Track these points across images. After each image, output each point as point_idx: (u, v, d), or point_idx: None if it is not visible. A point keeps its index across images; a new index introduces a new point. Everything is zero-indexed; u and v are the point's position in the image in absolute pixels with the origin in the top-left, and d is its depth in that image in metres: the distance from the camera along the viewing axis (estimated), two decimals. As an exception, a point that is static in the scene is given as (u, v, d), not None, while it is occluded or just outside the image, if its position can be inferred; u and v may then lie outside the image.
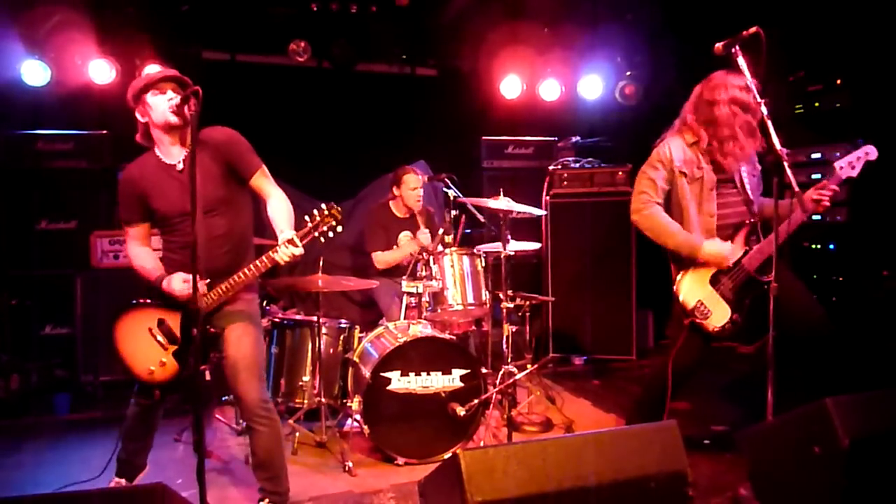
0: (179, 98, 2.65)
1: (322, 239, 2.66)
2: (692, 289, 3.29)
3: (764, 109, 2.79)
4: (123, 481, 3.05)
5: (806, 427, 2.36)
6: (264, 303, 4.36)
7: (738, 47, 2.89)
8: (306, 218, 2.67)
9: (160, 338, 2.82)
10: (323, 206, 2.65)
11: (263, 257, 2.69)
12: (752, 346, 4.34)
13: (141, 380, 2.86)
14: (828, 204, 3.08)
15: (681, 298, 3.28)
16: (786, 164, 2.74)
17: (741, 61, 2.88)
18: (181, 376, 2.80)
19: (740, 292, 3.23)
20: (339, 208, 2.67)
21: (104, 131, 5.20)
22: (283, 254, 2.63)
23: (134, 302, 2.87)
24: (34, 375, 4.85)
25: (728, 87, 3.22)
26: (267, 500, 2.90)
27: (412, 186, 4.75)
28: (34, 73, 5.15)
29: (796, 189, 2.76)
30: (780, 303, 3.23)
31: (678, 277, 3.32)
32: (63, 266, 5.00)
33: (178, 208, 2.80)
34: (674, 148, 3.32)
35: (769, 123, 2.78)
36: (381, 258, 4.75)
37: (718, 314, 3.23)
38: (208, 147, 2.78)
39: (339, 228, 2.66)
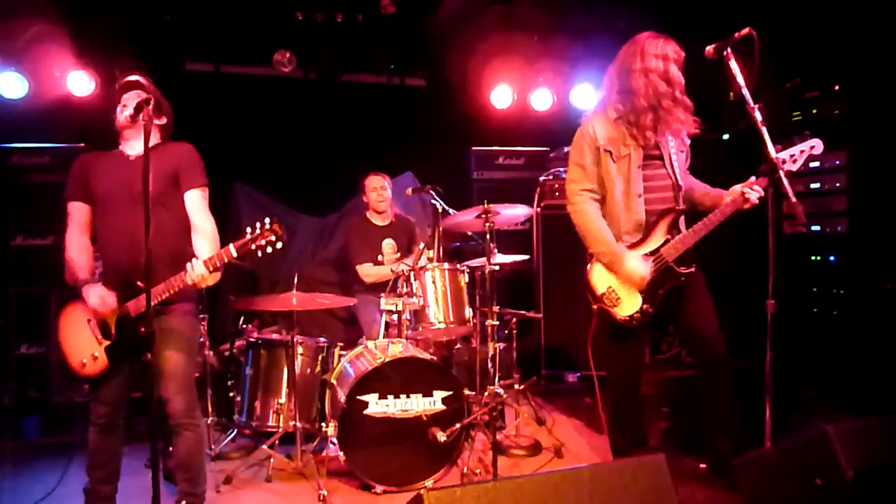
0: (132, 109, 2.65)
1: (259, 253, 2.63)
2: (604, 273, 3.18)
3: (758, 115, 2.65)
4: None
5: (806, 456, 2.18)
6: (240, 321, 4.19)
7: (729, 50, 2.76)
8: (247, 230, 2.65)
9: (96, 331, 2.78)
10: (266, 219, 2.64)
11: (178, 276, 2.67)
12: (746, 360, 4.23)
13: (72, 370, 2.82)
14: (755, 202, 2.95)
15: (591, 282, 3.20)
16: (782, 172, 2.58)
17: (733, 65, 2.74)
18: (109, 372, 2.78)
19: (655, 282, 3.10)
20: (281, 225, 2.65)
21: (81, 144, 5.05)
22: (191, 274, 2.63)
23: (75, 295, 2.83)
24: (6, 397, 4.67)
25: (645, 54, 3.06)
26: (184, 501, 2.91)
27: (373, 187, 4.71)
28: (11, 85, 5.03)
29: (793, 199, 2.59)
30: (680, 308, 3.16)
31: (592, 260, 3.22)
32: (39, 283, 4.84)
33: (115, 190, 2.81)
34: (597, 125, 3.17)
35: (764, 130, 2.63)
36: (368, 272, 4.59)
37: (628, 303, 3.13)
38: (167, 151, 2.89)
39: (279, 245, 2.65)
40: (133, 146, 2.88)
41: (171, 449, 3.60)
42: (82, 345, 2.79)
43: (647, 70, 3.05)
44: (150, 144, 2.51)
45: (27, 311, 4.84)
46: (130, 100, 2.77)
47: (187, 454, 2.90)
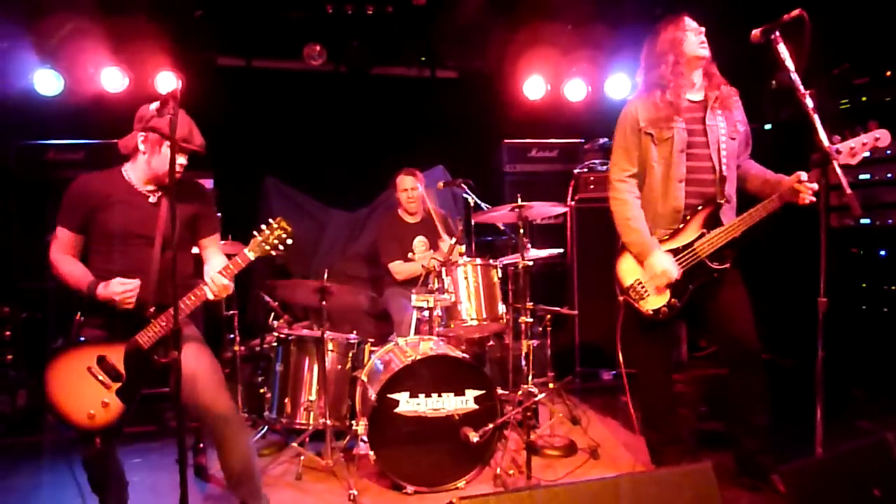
0: (160, 103, 2.53)
1: (273, 253, 2.64)
2: (633, 266, 3.10)
3: (809, 102, 2.49)
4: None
5: (863, 465, 2.04)
6: (271, 316, 4.16)
7: (777, 33, 2.60)
8: (255, 232, 2.66)
9: (101, 376, 2.57)
10: (271, 220, 2.64)
11: (196, 291, 2.64)
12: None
13: (80, 427, 2.58)
14: (812, 200, 2.80)
15: (619, 274, 3.13)
16: (836, 162, 2.43)
17: (782, 48, 2.58)
18: (126, 415, 2.60)
19: (686, 277, 3.00)
20: (287, 223, 2.67)
21: (114, 140, 5.05)
22: (213, 288, 2.64)
23: (63, 343, 2.64)
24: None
25: (667, 31, 3.05)
26: None
27: (403, 188, 4.64)
28: (47, 82, 5.09)
29: (848, 191, 2.42)
30: (717, 306, 3.04)
31: (623, 251, 3.14)
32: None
33: (132, 230, 2.68)
34: (640, 106, 3.09)
35: (816, 118, 2.48)
36: (399, 269, 4.53)
37: (655, 297, 3.04)
38: (189, 190, 2.82)
39: (290, 241, 2.66)
40: (144, 186, 2.74)
41: (200, 445, 3.61)
42: (86, 395, 2.56)
43: (668, 47, 3.01)
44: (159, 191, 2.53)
45: (63, 306, 4.86)
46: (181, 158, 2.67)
47: (242, 463, 2.71)
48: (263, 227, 2.67)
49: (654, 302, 3.05)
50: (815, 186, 2.78)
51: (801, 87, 2.53)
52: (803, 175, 2.82)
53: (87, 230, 2.70)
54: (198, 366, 2.67)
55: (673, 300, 3.03)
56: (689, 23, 3.06)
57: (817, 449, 2.68)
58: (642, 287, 3.07)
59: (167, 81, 5.18)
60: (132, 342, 2.58)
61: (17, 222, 4.93)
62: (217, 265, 2.74)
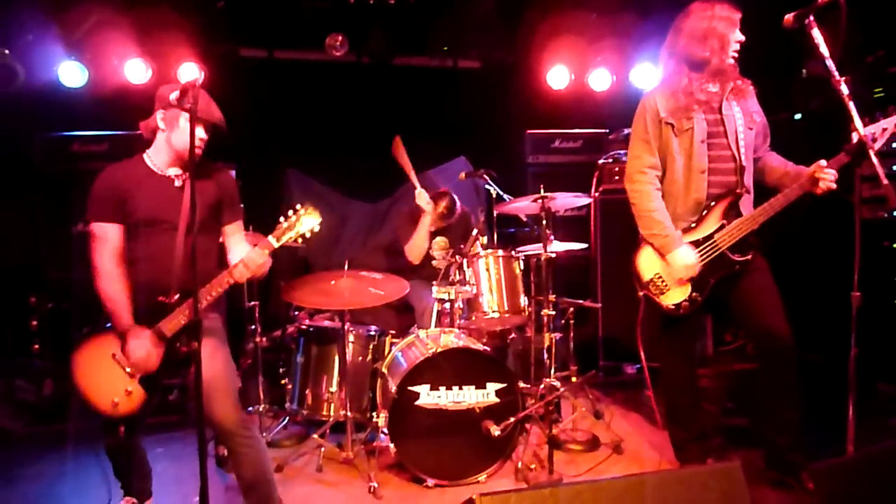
0: (179, 91, 2.49)
1: (300, 241, 2.58)
2: (652, 260, 3.04)
3: (844, 89, 2.41)
4: (134, 500, 2.88)
5: (897, 465, 1.98)
6: (292, 307, 4.16)
7: (812, 18, 2.51)
8: (281, 218, 2.58)
9: (126, 364, 2.57)
10: (298, 206, 2.57)
11: (224, 275, 2.59)
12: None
13: (104, 414, 2.59)
14: (831, 186, 2.73)
15: (638, 268, 3.07)
16: (872, 151, 2.34)
17: (816, 34, 2.50)
18: (148, 405, 2.60)
19: (706, 270, 2.93)
20: (313, 210, 2.59)
21: (138, 131, 5.09)
22: (243, 271, 2.59)
23: (90, 329, 2.66)
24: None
25: (694, 18, 2.95)
26: None
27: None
28: (71, 74, 5.12)
29: (884, 181, 2.35)
30: (742, 298, 2.96)
31: (642, 244, 3.08)
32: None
33: (161, 216, 2.64)
34: (659, 97, 3.01)
35: (851, 105, 2.39)
36: (410, 247, 4.47)
37: (675, 291, 2.98)
38: (213, 175, 2.78)
39: (317, 228, 2.59)
40: (167, 169, 2.70)
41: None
42: (111, 382, 2.56)
43: (697, 33, 2.91)
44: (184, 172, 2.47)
45: (89, 296, 4.91)
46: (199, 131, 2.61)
47: (253, 474, 2.65)
48: (290, 213, 2.60)
49: (674, 296, 2.99)
50: (834, 173, 2.72)
51: (836, 74, 2.45)
52: (823, 162, 2.74)
53: (122, 218, 2.65)
54: (209, 371, 2.54)
55: (694, 294, 2.96)
56: (722, 8, 2.96)
57: (848, 447, 2.61)
58: (662, 281, 3.01)
59: (190, 73, 5.19)
60: (156, 330, 2.56)
61: (42, 213, 4.98)
62: (240, 253, 2.71)
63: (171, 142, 2.66)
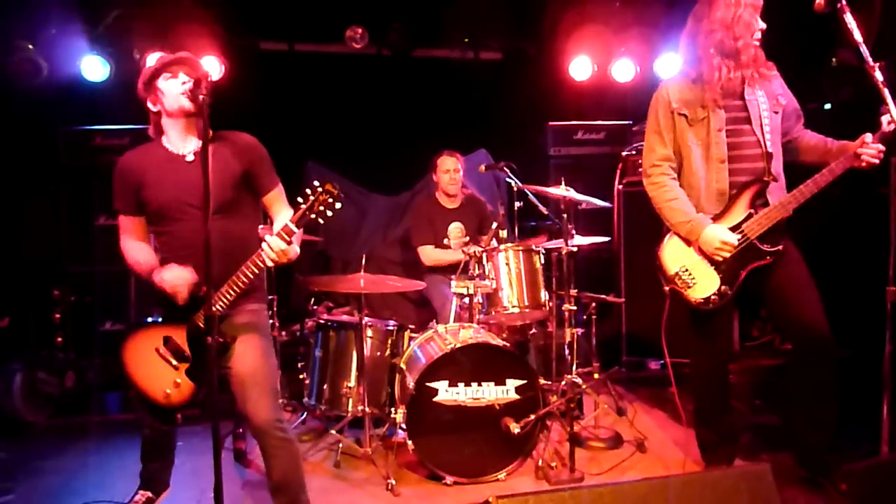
0: (193, 81, 2.39)
1: (320, 220, 2.39)
2: (678, 252, 2.92)
3: (879, 75, 2.31)
4: (149, 493, 2.87)
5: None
6: (311, 301, 4.13)
7: (844, 2, 2.41)
8: (299, 199, 2.39)
9: (169, 357, 2.55)
10: (316, 182, 2.37)
11: (254, 258, 2.44)
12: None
13: (159, 405, 2.59)
14: (873, 161, 2.61)
15: (662, 261, 2.94)
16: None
17: (849, 18, 2.40)
18: (199, 394, 2.55)
19: (736, 262, 2.80)
20: (333, 186, 2.37)
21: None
22: (268, 253, 2.38)
23: (131, 325, 2.66)
24: (90, 373, 4.81)
25: (715, 4, 2.83)
26: None
27: (444, 169, 4.53)
28: (94, 68, 5.13)
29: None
30: (778, 292, 2.85)
31: (666, 237, 2.96)
32: (122, 262, 4.93)
33: (177, 201, 2.51)
34: (671, 87, 2.93)
35: (886, 92, 2.29)
36: (429, 255, 4.46)
37: (704, 284, 2.86)
38: (232, 145, 2.59)
39: (338, 205, 2.37)
40: (183, 143, 2.58)
41: (240, 430, 3.61)
42: (160, 375, 2.56)
43: (724, 21, 2.80)
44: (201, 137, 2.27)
45: (111, 290, 4.96)
46: (178, 80, 2.50)
47: (283, 475, 2.58)
48: (308, 191, 2.38)
49: (702, 290, 2.87)
50: (882, 147, 2.60)
51: (870, 59, 2.35)
52: (868, 137, 2.63)
53: (141, 210, 2.60)
54: (246, 366, 2.54)
55: (723, 287, 2.85)
56: None
57: (883, 448, 2.52)
58: (689, 274, 2.90)
59: (210, 67, 5.18)
60: (192, 322, 2.51)
61: (65, 207, 5.02)
62: (284, 220, 2.52)
63: (168, 111, 2.55)
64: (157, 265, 2.54)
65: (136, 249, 2.63)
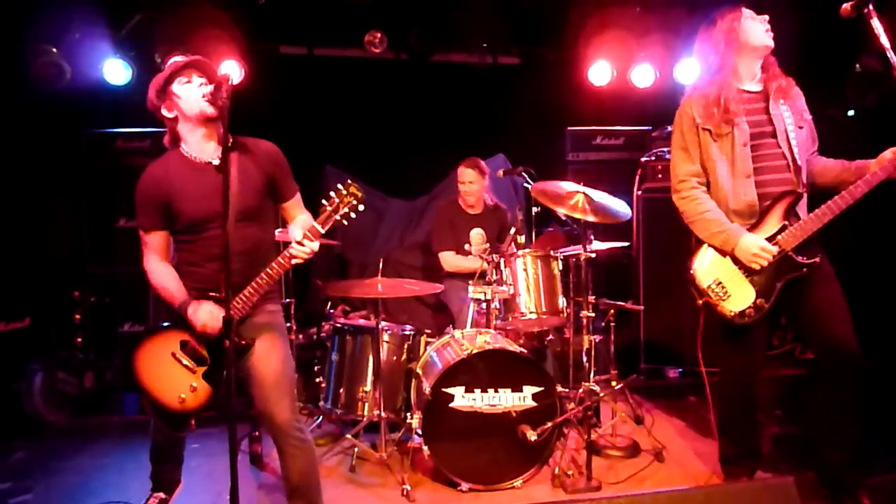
0: (214, 85, 2.40)
1: (345, 222, 2.39)
2: (711, 265, 2.85)
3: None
4: (162, 494, 2.88)
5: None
6: (328, 305, 4.14)
7: (871, 6, 2.37)
8: (324, 202, 2.39)
9: (185, 361, 2.53)
10: (340, 185, 2.37)
11: (279, 258, 2.44)
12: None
13: (172, 411, 2.55)
14: None
15: (695, 274, 2.86)
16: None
17: (876, 23, 2.36)
18: (216, 398, 2.53)
19: (772, 274, 2.75)
20: (357, 188, 2.38)
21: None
22: (299, 252, 2.40)
23: (146, 329, 2.64)
24: (109, 373, 4.85)
25: (721, 22, 2.84)
26: None
27: (461, 180, 4.53)
28: (116, 72, 5.18)
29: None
30: (802, 303, 2.79)
31: (700, 249, 2.89)
32: (142, 264, 4.98)
33: (210, 211, 2.48)
34: (695, 104, 2.88)
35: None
36: (449, 261, 4.45)
37: (738, 297, 2.79)
38: (254, 153, 2.59)
39: (361, 207, 2.39)
40: (205, 149, 2.55)
41: (256, 433, 3.61)
42: (175, 380, 2.53)
43: (723, 39, 2.81)
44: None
45: (131, 291, 5.00)
46: (193, 84, 2.48)
47: (300, 477, 2.58)
48: (332, 194, 2.37)
49: (737, 303, 2.80)
50: None
51: (898, 66, 2.31)
52: (888, 153, 2.59)
53: (169, 224, 2.55)
54: (266, 367, 2.55)
55: (759, 300, 2.78)
56: (748, 11, 2.85)
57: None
58: (722, 287, 2.83)
59: (230, 70, 5.22)
60: (224, 315, 2.43)
61: (86, 208, 5.07)
62: (302, 223, 2.58)
63: (186, 116, 2.51)
64: (187, 297, 2.51)
65: (165, 275, 2.56)
